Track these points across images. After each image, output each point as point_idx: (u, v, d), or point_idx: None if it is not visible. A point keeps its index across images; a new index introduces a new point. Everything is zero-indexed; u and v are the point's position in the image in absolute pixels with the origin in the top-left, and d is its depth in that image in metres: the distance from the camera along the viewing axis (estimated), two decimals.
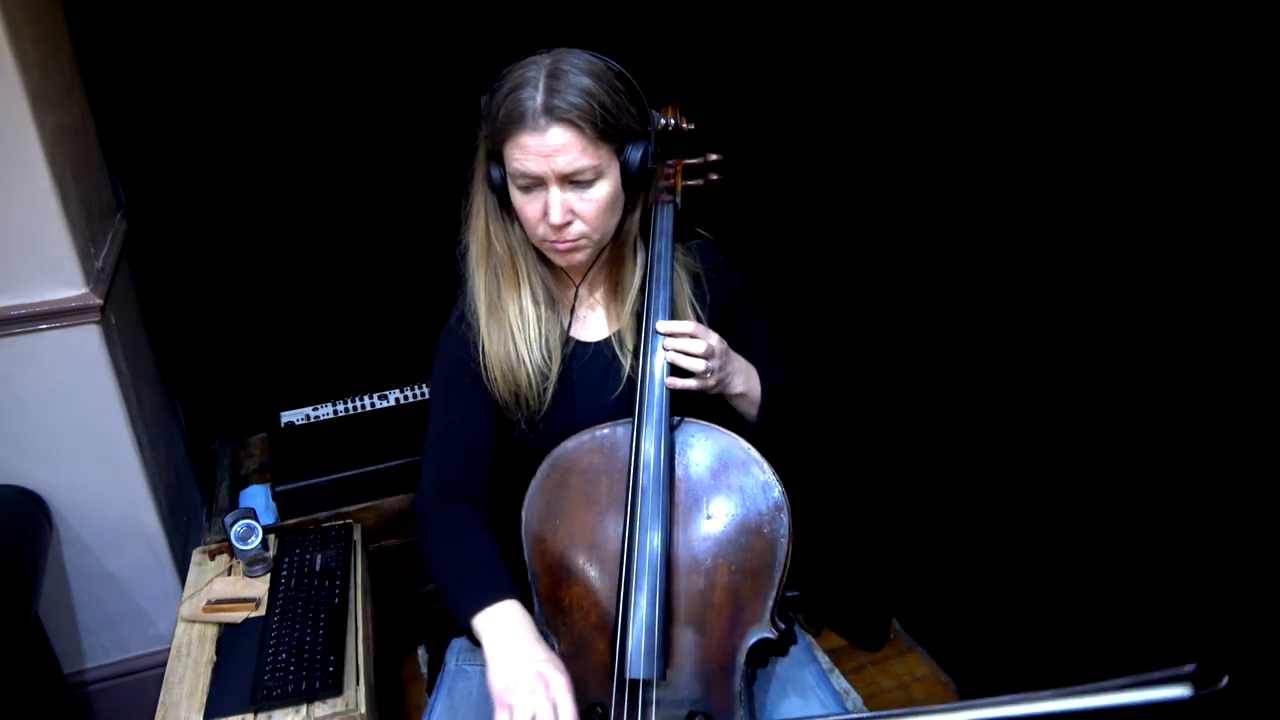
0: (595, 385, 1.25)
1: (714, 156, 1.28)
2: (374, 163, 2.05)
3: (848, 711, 1.25)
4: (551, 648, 1.13)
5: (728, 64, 2.11)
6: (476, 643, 1.08)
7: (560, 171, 1.07)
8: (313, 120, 1.98)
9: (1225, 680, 0.75)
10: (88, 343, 1.61)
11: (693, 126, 1.26)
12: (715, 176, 1.28)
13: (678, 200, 1.26)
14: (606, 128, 1.08)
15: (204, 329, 2.12)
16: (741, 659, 1.11)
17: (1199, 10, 1.20)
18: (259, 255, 2.08)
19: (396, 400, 2.12)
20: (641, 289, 1.23)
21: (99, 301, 1.59)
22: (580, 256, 1.16)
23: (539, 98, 1.06)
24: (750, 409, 1.29)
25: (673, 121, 1.25)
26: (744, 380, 1.25)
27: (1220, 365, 1.28)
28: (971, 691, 1.97)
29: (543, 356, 1.21)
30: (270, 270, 2.10)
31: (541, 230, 1.13)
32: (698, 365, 1.16)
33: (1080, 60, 1.40)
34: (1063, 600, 1.66)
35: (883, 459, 2.10)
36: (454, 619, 1.09)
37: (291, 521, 1.85)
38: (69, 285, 1.57)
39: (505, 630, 1.05)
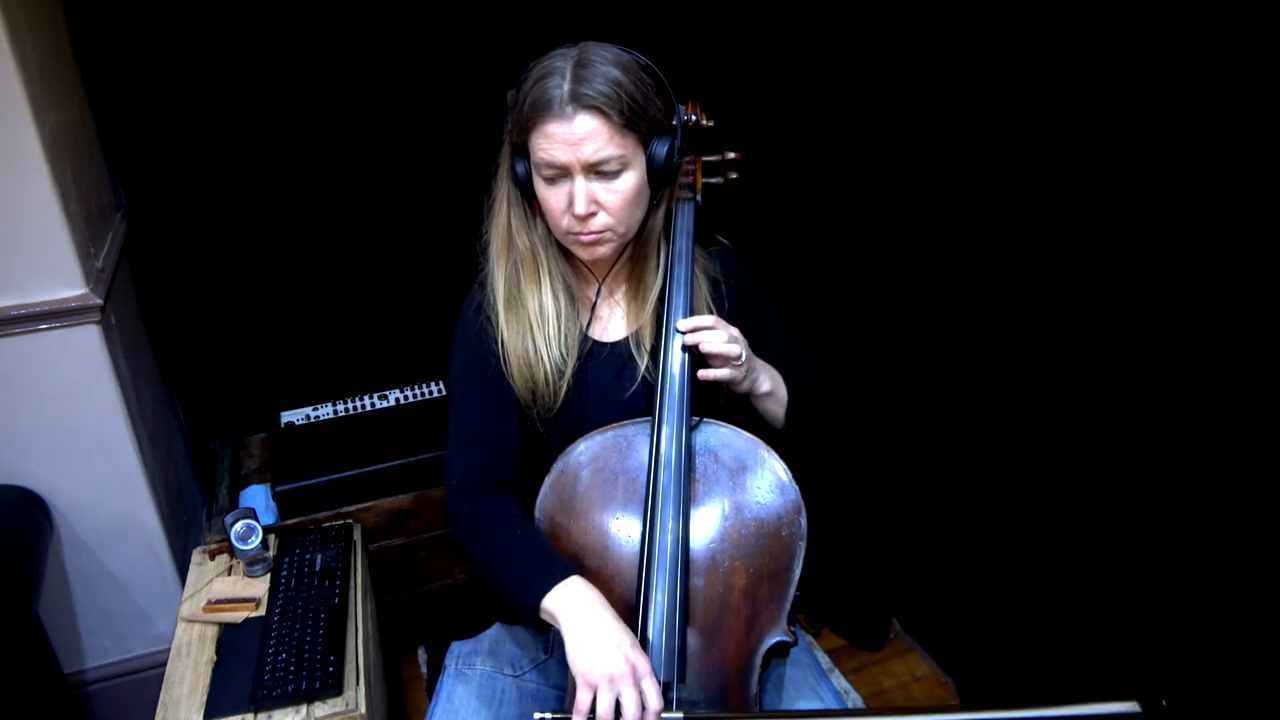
0: (608, 385, 1.24)
1: (733, 155, 1.27)
2: (374, 163, 2.05)
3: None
4: (564, 647, 1.13)
5: (748, 62, 2.11)
6: (545, 625, 1.06)
7: (586, 160, 1.07)
8: (313, 121, 1.98)
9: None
10: (88, 343, 1.61)
11: (712, 124, 1.26)
12: (734, 175, 1.28)
13: (698, 197, 1.25)
14: (633, 116, 1.07)
15: (204, 329, 2.12)
16: (758, 661, 1.11)
17: (1199, 10, 1.21)
18: (259, 255, 2.08)
19: (396, 400, 2.12)
20: (663, 289, 1.22)
21: (99, 301, 1.59)
22: (604, 250, 1.15)
23: (566, 86, 1.05)
24: (778, 410, 1.27)
25: (693, 118, 1.24)
26: (770, 379, 1.24)
27: (1220, 368, 1.28)
28: (971, 691, 1.97)
29: (561, 354, 1.20)
30: (271, 270, 2.10)
31: (565, 222, 1.12)
32: (731, 350, 1.13)
33: (1099, 60, 1.40)
34: (1062, 600, 1.66)
35: (883, 460, 2.10)
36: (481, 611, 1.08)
37: (291, 521, 1.85)
38: (69, 285, 1.57)
39: (584, 607, 1.04)
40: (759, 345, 1.27)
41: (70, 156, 1.62)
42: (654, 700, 0.99)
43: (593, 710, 0.99)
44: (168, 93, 1.87)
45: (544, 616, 1.06)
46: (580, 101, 1.05)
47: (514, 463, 1.22)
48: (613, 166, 1.08)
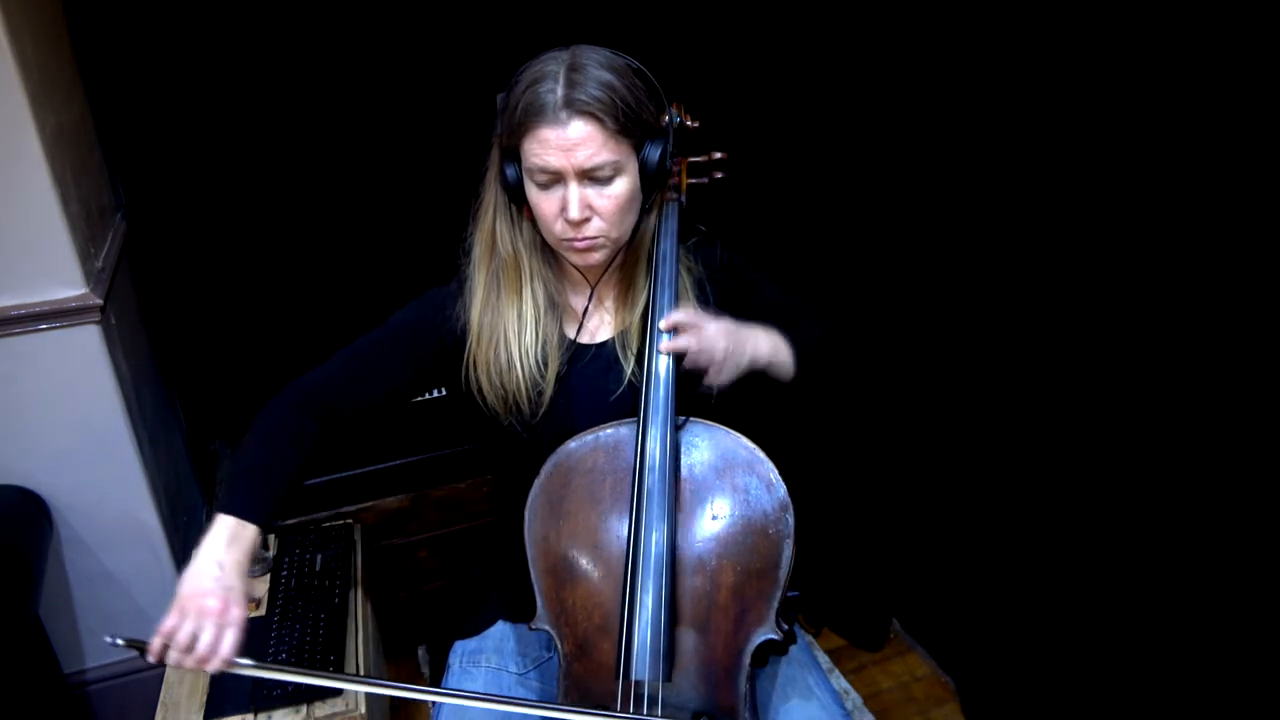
0: (595, 387, 1.23)
1: (718, 155, 1.26)
2: (374, 162, 2.05)
3: (847, 712, 1.25)
4: (555, 648, 1.14)
5: (733, 61, 2.11)
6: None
7: (580, 166, 1.06)
8: (313, 120, 1.98)
9: None
10: (88, 343, 1.61)
11: (697, 124, 1.25)
12: (720, 175, 1.27)
13: (683, 199, 1.24)
14: (627, 122, 1.07)
15: (204, 329, 2.12)
16: (747, 660, 1.11)
17: (1199, 10, 1.21)
18: (259, 255, 2.08)
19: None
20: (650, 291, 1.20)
21: (99, 301, 1.59)
22: (597, 256, 1.14)
23: (560, 91, 1.04)
24: (785, 371, 1.22)
25: (677, 119, 1.23)
26: (769, 344, 1.20)
27: (1220, 368, 1.28)
28: (972, 691, 1.97)
29: (537, 362, 1.20)
30: (270, 270, 2.10)
31: (559, 228, 1.11)
32: (713, 353, 1.11)
33: (1084, 58, 1.40)
34: (1063, 600, 1.66)
35: (883, 459, 2.10)
36: (453, 628, 1.08)
37: (291, 521, 1.85)
38: (69, 285, 1.57)
39: (227, 544, 1.06)
40: (754, 315, 1.23)
41: (70, 156, 1.62)
42: (227, 648, 1.01)
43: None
44: (168, 93, 1.87)
45: (213, 521, 1.08)
46: (574, 107, 1.04)
47: (362, 414, 1.23)
48: (606, 172, 1.08)
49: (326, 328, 2.18)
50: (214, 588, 1.02)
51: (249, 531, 1.08)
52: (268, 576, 1.64)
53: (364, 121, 2.01)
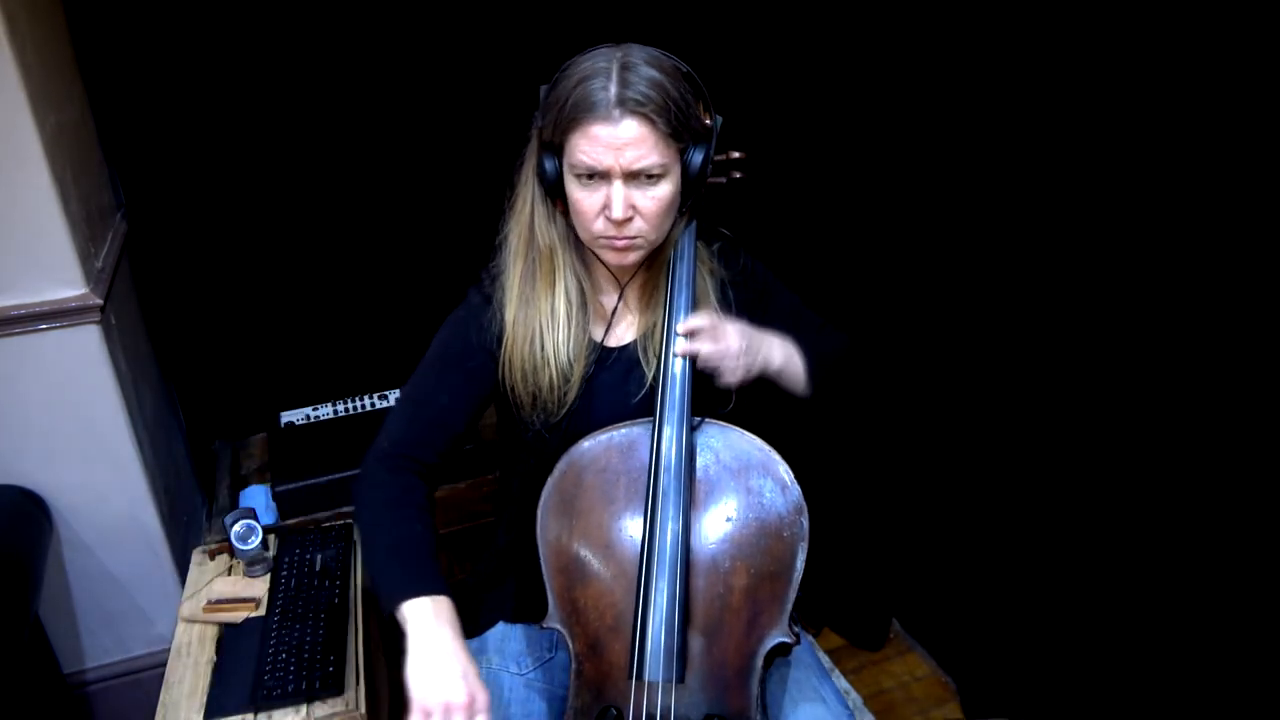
0: (617, 390, 1.23)
1: (736, 154, 1.25)
2: (375, 163, 2.05)
3: (851, 714, 1.25)
4: (562, 647, 1.14)
5: (752, 59, 2.10)
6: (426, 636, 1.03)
7: (628, 166, 1.05)
8: (313, 120, 1.98)
9: None
10: (88, 343, 1.61)
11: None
12: (738, 175, 1.26)
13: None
14: (678, 124, 1.06)
15: (204, 329, 2.12)
16: (759, 663, 1.11)
17: (1199, 10, 1.21)
18: (259, 255, 2.08)
19: (396, 400, 2.12)
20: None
21: (99, 301, 1.59)
22: (633, 257, 1.14)
23: (613, 88, 1.03)
24: (797, 382, 1.25)
25: (720, 122, 1.23)
26: (782, 353, 1.21)
27: (1218, 370, 1.29)
28: (971, 691, 1.97)
29: (568, 359, 1.19)
30: (270, 270, 2.10)
31: (599, 225, 1.10)
32: (726, 358, 1.13)
33: (1102, 58, 1.40)
34: (1063, 600, 1.66)
35: (884, 459, 2.10)
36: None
37: (291, 521, 1.85)
38: (69, 285, 1.57)
39: (438, 627, 1.03)
40: (773, 323, 1.25)
41: (70, 156, 1.62)
42: None
43: None
44: (168, 93, 1.87)
45: (399, 618, 1.05)
46: (627, 106, 1.03)
47: (449, 454, 1.21)
48: (653, 173, 1.07)
49: (327, 327, 2.20)
50: (450, 675, 0.99)
51: (444, 603, 1.05)
52: (268, 576, 1.63)
53: (365, 122, 2.01)
